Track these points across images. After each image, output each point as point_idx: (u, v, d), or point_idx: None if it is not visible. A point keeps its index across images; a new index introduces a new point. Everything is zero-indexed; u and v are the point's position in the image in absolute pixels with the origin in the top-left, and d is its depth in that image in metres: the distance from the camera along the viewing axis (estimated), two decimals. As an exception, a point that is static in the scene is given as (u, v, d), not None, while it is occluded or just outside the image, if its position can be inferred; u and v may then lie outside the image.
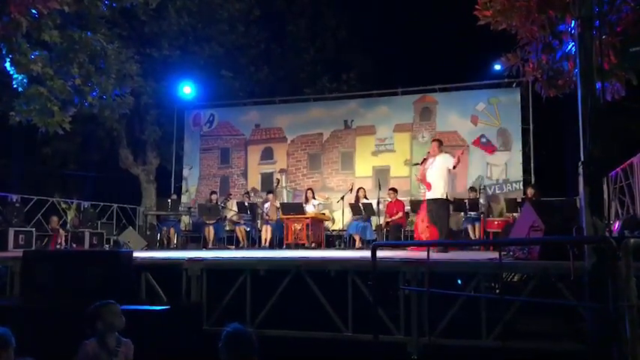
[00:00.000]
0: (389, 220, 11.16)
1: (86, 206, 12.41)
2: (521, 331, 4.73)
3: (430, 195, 8.17)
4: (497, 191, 12.03)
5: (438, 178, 8.07)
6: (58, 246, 10.60)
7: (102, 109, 11.41)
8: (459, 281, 4.86)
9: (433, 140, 8.69)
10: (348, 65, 16.28)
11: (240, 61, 14.94)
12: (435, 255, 6.42)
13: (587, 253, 3.61)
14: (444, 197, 8.03)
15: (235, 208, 12.21)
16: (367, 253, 5.63)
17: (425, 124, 12.80)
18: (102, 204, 12.93)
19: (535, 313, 4.90)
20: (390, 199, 11.45)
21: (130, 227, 12.21)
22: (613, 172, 8.24)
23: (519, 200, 10.67)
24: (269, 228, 11.41)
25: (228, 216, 12.64)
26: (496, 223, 10.61)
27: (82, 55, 10.28)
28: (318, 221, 11.43)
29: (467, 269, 5.19)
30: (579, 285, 3.94)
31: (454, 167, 8.06)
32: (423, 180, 8.36)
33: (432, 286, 4.18)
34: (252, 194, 13.10)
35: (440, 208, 7.98)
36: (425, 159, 8.47)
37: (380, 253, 4.81)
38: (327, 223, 12.49)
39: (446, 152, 8.41)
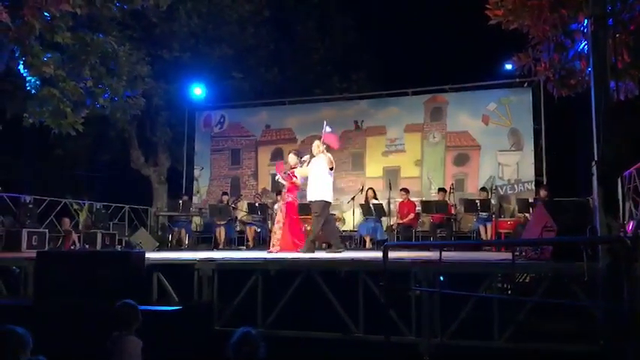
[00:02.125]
0: (400, 220, 11.14)
1: (98, 207, 12.49)
2: (534, 332, 4.70)
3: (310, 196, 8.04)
4: (508, 191, 11.99)
5: (314, 179, 8.00)
6: (71, 247, 10.68)
7: (113, 110, 11.48)
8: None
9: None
10: (358, 65, 16.28)
11: (250, 62, 14.98)
12: (448, 255, 6.41)
13: (602, 253, 3.55)
14: (324, 199, 7.90)
15: (246, 209, 12.22)
16: (378, 254, 5.65)
17: (436, 124, 12.77)
18: (114, 205, 12.99)
19: (548, 314, 4.85)
20: (401, 200, 11.43)
21: (142, 228, 12.22)
22: (627, 172, 8.18)
23: (531, 200, 10.60)
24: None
25: (239, 217, 12.68)
26: (508, 223, 10.57)
27: (93, 57, 10.37)
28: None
29: (479, 270, 5.16)
30: (593, 286, 3.91)
31: (331, 169, 7.96)
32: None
33: (443, 287, 4.14)
34: (263, 195, 13.13)
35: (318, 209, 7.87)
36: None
37: (391, 254, 4.80)
38: (338, 224, 12.38)
39: (326, 153, 8.22)
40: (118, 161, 15.69)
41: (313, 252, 7.77)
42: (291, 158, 8.47)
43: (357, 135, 13.32)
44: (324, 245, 10.78)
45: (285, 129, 13.87)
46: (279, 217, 8.33)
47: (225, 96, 14.42)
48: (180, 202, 12.59)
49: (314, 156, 8.13)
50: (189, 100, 14.25)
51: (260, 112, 14.24)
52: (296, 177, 8.28)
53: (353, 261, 5.67)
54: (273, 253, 7.69)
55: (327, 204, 7.98)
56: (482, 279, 5.00)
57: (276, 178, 8.52)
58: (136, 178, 15.11)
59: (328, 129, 8.25)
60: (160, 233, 13.22)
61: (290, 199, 8.30)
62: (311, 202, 8.03)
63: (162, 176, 15.10)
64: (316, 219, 7.90)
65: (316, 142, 8.20)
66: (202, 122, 14.64)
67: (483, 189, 11.24)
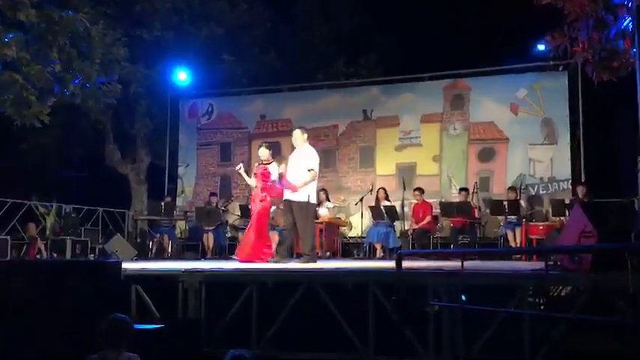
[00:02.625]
0: (416, 225, 11.19)
1: (67, 210, 12.52)
2: (571, 352, 4.73)
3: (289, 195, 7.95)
4: (541, 191, 12.00)
5: (295, 174, 7.94)
6: (37, 256, 10.71)
7: (85, 98, 11.47)
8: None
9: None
10: (367, 46, 16.21)
11: (242, 42, 14.97)
12: (471, 265, 6.42)
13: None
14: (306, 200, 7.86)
15: (238, 212, 12.26)
16: (390, 264, 5.67)
17: (457, 113, 12.78)
18: (85, 208, 13.04)
19: (587, 331, 4.85)
20: (415, 201, 11.44)
21: (118, 234, 12.27)
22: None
23: (567, 202, 10.57)
24: (276, 235, 11.41)
25: (230, 221, 12.72)
26: (540, 228, 10.56)
27: (62, 37, 10.34)
28: (332, 227, 11.47)
29: (507, 282, 5.18)
30: (639, 299, 3.92)
31: (309, 170, 7.89)
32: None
33: (465, 301, 4.13)
34: None
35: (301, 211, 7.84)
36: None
37: (406, 264, 4.82)
38: (344, 229, 12.53)
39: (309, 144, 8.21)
40: (91, 158, 15.70)
41: (315, 262, 7.79)
42: (263, 152, 8.40)
43: (366, 126, 13.33)
44: (327, 254, 10.96)
45: (283, 120, 13.88)
46: (252, 219, 8.32)
47: (214, 82, 14.43)
48: (162, 204, 12.60)
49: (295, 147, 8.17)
50: (172, 86, 14.26)
51: (254, 101, 14.25)
52: (270, 174, 8.21)
53: (362, 272, 5.68)
54: (247, 262, 7.74)
55: (310, 206, 7.95)
56: (511, 292, 5.01)
57: (245, 178, 8.50)
58: (112, 177, 15.12)
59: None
60: (138, 240, 13.28)
61: (267, 202, 8.29)
62: (291, 201, 7.90)
63: (142, 175, 15.09)
64: (303, 223, 7.85)
65: (298, 131, 8.17)
66: (187, 112, 14.66)
67: (512, 188, 11.22)
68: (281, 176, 8.23)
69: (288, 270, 6.26)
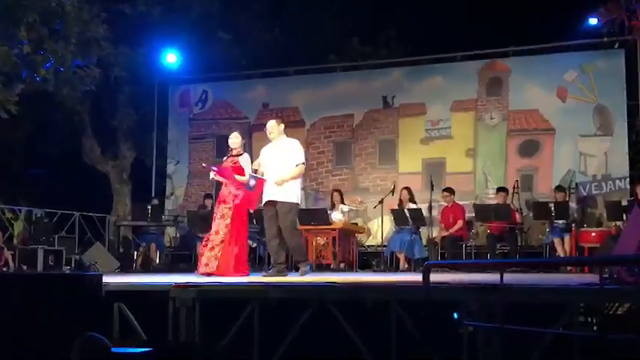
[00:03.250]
0: (445, 232, 11.21)
1: (39, 215, 12.57)
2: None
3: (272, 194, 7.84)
4: (594, 191, 11.98)
5: (276, 172, 7.83)
6: (3, 268, 10.68)
7: (58, 85, 11.48)
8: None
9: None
10: (388, 21, 16.19)
11: (241, 19, 15.02)
12: (512, 278, 6.41)
13: None
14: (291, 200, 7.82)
15: (237, 217, 12.23)
16: (416, 277, 5.71)
17: (494, 100, 12.78)
18: (60, 212, 13.06)
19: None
20: (445, 204, 11.48)
21: (98, 243, 12.33)
22: None
23: (625, 203, 10.56)
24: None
25: (228, 227, 12.68)
26: (593, 235, 10.52)
27: (31, 13, 10.36)
28: (348, 234, 11.45)
29: (554, 298, 5.13)
30: None
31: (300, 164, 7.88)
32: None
33: (507, 320, 4.15)
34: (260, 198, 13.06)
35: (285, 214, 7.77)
36: None
37: (434, 277, 4.79)
38: (361, 237, 12.54)
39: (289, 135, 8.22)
40: (66, 154, 15.74)
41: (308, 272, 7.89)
42: (235, 139, 8.16)
43: (387, 116, 13.33)
44: (342, 266, 10.97)
45: (290, 108, 13.90)
46: (220, 224, 7.92)
47: (209, 65, 14.46)
48: (149, 207, 12.69)
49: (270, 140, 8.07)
50: (160, 70, 14.31)
51: (256, 87, 14.29)
52: (244, 168, 7.98)
53: (382, 287, 5.66)
54: (215, 276, 7.57)
55: (295, 207, 7.92)
56: (560, 310, 4.98)
57: (211, 177, 8.26)
58: (90, 176, 15.17)
59: (253, 182, 8.01)
60: (121, 250, 13.24)
61: (241, 202, 7.95)
62: (276, 202, 7.80)
63: (125, 173, 15.12)
64: (291, 229, 7.84)
65: (273, 122, 8.14)
66: (178, 100, 14.70)
67: (559, 188, 11.18)
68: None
69: (296, 285, 6.24)
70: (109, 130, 15.08)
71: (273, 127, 8.07)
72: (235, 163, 7.98)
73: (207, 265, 7.84)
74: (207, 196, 12.80)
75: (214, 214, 8.02)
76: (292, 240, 7.89)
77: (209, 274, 7.67)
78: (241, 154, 8.08)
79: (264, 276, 7.78)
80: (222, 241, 7.85)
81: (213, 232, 7.96)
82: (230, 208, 7.88)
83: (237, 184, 7.92)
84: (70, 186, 15.39)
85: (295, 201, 7.90)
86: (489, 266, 8.12)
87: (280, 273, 7.80)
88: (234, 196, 7.91)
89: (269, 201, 7.85)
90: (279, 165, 7.88)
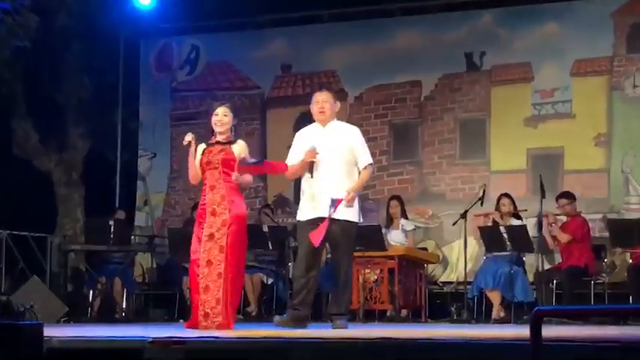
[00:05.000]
0: (563, 261, 10.94)
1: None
2: None
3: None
4: None
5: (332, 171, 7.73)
6: None
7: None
8: None
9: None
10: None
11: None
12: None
13: None
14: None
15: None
16: (520, 331, 5.78)
17: (637, 58, 12.26)
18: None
19: None
20: (563, 218, 11.09)
21: (35, 277, 11.71)
22: None
23: None
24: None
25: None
26: None
27: None
28: (413, 264, 11.28)
29: None
30: None
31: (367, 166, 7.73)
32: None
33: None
34: (277, 208, 12.84)
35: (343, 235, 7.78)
36: None
37: (549, 331, 4.41)
38: (432, 268, 12.18)
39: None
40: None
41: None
42: (224, 117, 7.64)
43: (473, 83, 12.94)
44: (404, 312, 10.83)
45: (323, 72, 13.57)
46: (211, 249, 7.53)
47: (200, 8, 13.92)
48: (111, 224, 12.15)
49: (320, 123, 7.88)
50: (127, 17, 13.90)
51: (272, 41, 13.95)
52: (236, 160, 7.63)
53: (467, 344, 5.27)
54: (223, 330, 7.21)
55: (355, 228, 7.93)
56: None
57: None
58: (24, 176, 14.59)
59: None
60: (70, 288, 12.93)
61: (241, 211, 7.68)
62: (334, 221, 7.61)
63: (75, 172, 14.59)
64: (348, 259, 7.83)
65: (327, 94, 7.92)
66: (154, 62, 14.47)
67: None
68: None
69: (332, 339, 5.78)
70: (51, 108, 14.58)
71: (327, 101, 7.88)
72: (228, 154, 7.53)
73: (207, 315, 7.45)
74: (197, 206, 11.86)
75: (197, 232, 7.75)
76: (348, 274, 7.86)
77: (208, 328, 7.33)
78: (234, 142, 7.65)
79: (278, 323, 7.64)
80: (219, 276, 7.46)
81: (203, 263, 7.61)
82: (225, 221, 7.46)
83: (229, 188, 7.62)
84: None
85: (357, 220, 7.86)
86: (633, 314, 8.14)
87: (299, 322, 7.58)
88: (230, 202, 7.52)
89: (320, 218, 7.66)
90: (339, 164, 7.70)
